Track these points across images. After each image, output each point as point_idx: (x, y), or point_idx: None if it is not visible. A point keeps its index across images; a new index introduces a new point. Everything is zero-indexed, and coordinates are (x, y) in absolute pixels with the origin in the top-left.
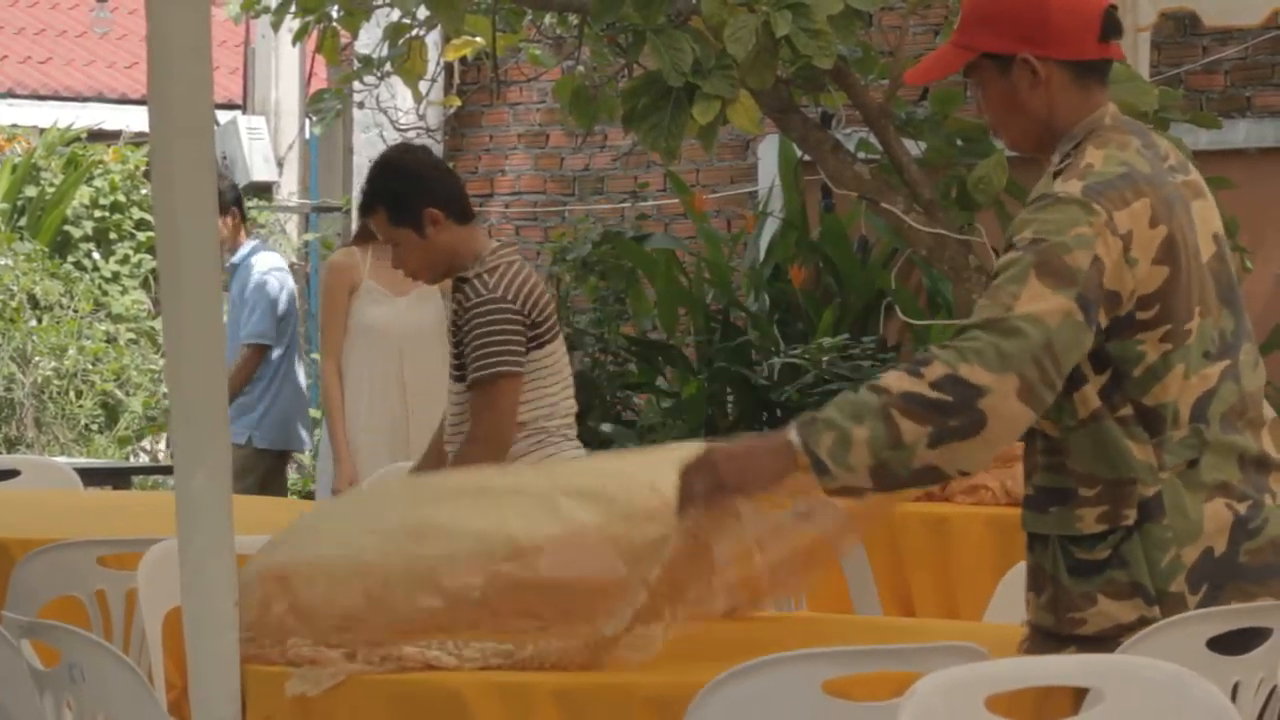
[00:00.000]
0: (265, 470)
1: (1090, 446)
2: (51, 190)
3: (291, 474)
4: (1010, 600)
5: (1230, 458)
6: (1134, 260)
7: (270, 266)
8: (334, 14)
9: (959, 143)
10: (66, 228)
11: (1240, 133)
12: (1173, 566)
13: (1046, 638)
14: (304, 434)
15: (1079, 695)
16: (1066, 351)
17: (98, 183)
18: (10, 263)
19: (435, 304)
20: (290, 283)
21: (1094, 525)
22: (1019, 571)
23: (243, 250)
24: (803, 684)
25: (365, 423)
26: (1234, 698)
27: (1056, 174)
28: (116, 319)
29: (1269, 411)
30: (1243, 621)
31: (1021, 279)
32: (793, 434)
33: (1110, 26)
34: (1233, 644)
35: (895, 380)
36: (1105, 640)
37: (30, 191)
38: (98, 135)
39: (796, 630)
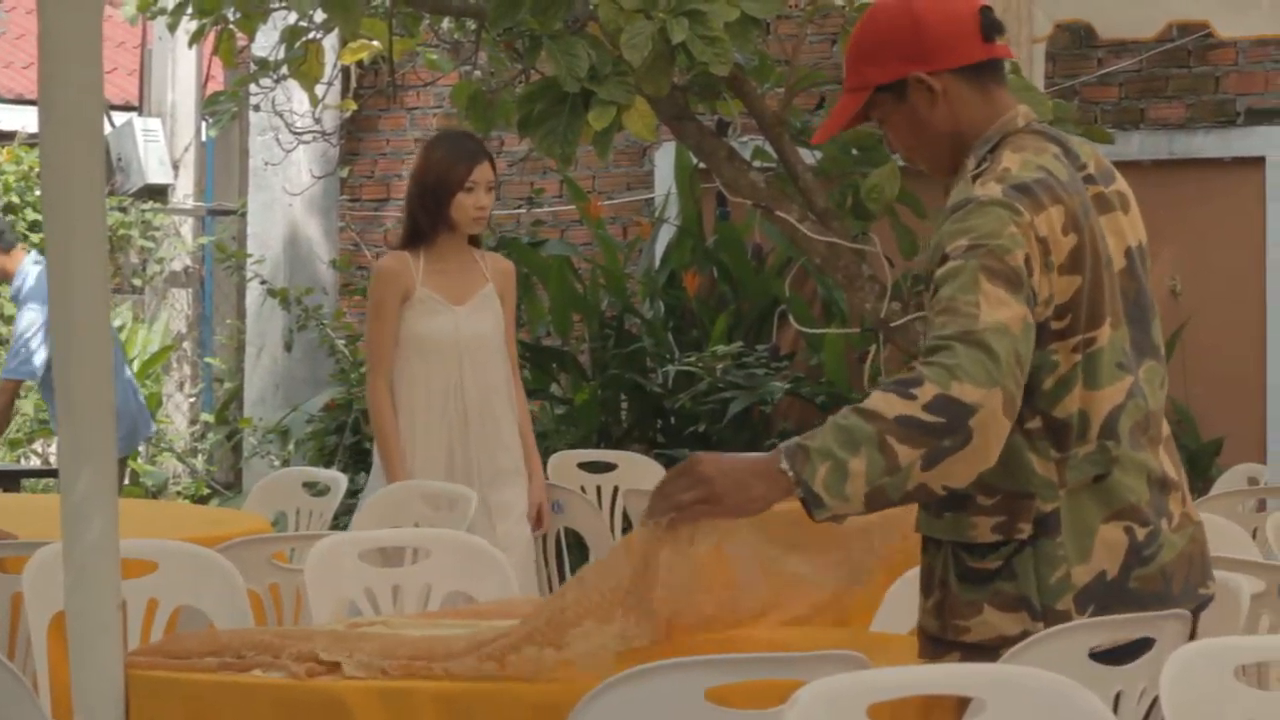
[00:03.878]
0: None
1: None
2: None
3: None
4: (898, 609)
5: (1140, 476)
6: (1051, 265)
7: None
8: (231, 16)
9: (854, 152)
10: None
11: (1134, 145)
12: (1061, 585)
13: (931, 642)
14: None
15: (963, 705)
16: (1028, 357)
17: None
18: None
19: (494, 311)
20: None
21: (988, 535)
22: (907, 580)
23: None
24: (685, 691)
25: (422, 449)
26: (1116, 708)
27: (975, 177)
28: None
29: (1165, 429)
30: (1125, 633)
31: (974, 286)
32: (784, 464)
33: (989, 25)
34: (1115, 656)
35: (886, 404)
36: (987, 650)
37: None
38: None
39: (683, 637)
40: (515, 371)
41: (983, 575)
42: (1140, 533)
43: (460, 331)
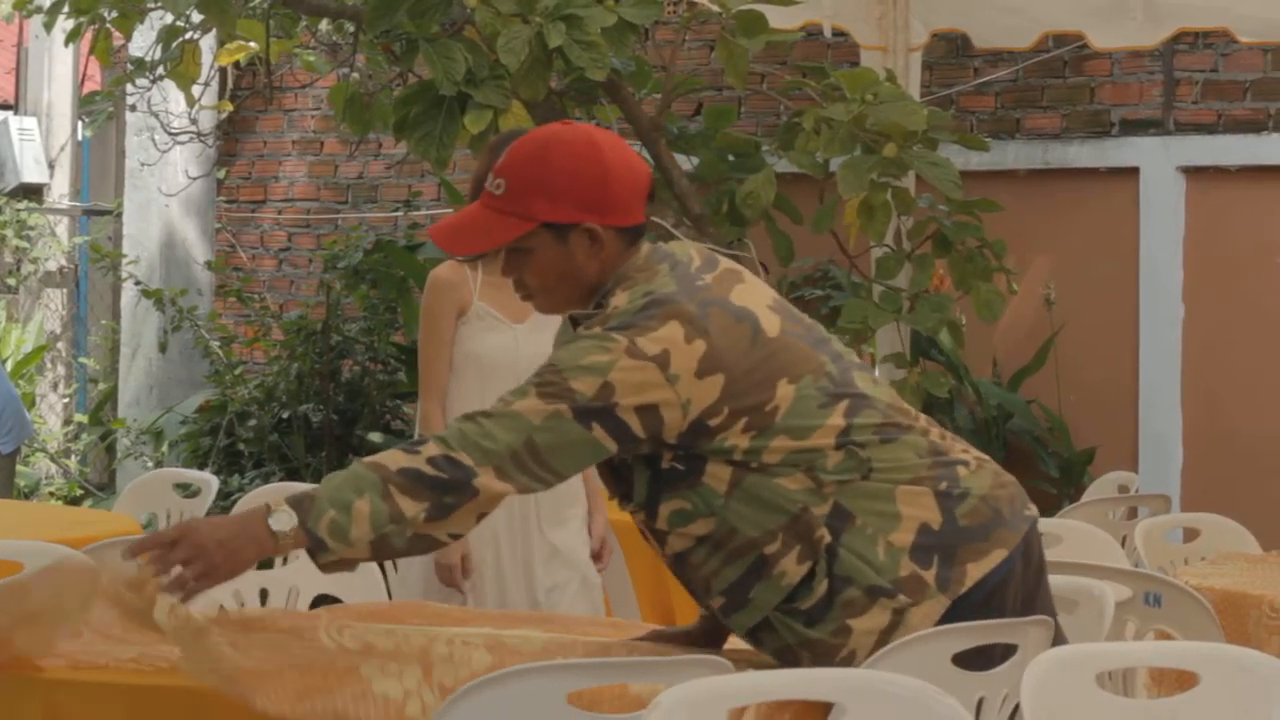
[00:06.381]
0: None
1: (750, 506)
2: None
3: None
4: None
5: (912, 454)
6: (675, 376)
7: None
8: (107, 15)
9: (730, 158)
10: None
11: (1010, 154)
12: (891, 554)
13: None
14: None
15: (828, 710)
16: (554, 448)
17: None
18: None
19: (554, 331)
20: None
21: (799, 569)
22: None
23: None
24: (547, 696)
25: None
26: (978, 714)
27: (579, 322)
28: None
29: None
30: (988, 638)
31: (522, 393)
32: (280, 518)
33: (653, 192)
34: (978, 659)
35: (392, 458)
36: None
37: None
38: None
39: (545, 639)
40: None
41: (823, 604)
42: (939, 483)
43: (520, 351)
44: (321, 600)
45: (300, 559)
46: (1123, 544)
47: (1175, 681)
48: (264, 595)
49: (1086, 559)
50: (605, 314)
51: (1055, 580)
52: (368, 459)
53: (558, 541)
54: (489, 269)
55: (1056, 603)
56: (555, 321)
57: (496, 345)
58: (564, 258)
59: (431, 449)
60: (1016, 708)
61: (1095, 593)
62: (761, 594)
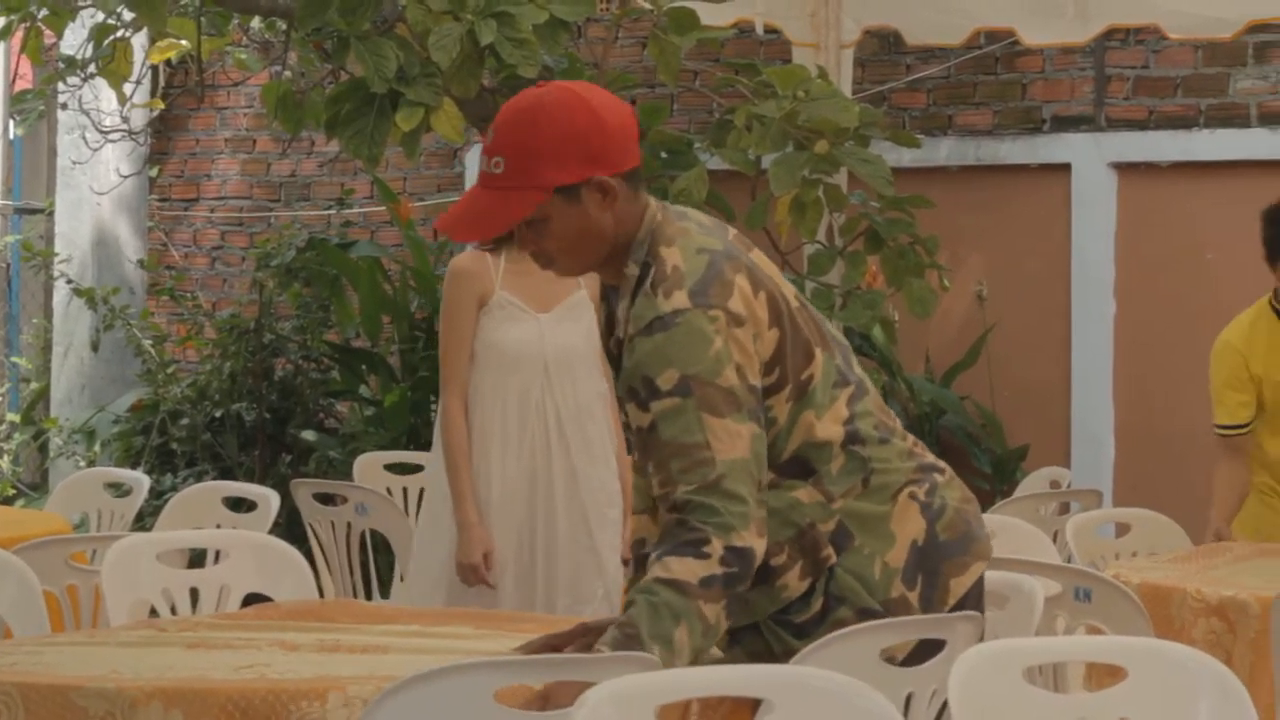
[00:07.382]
0: None
1: (768, 516)
2: None
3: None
4: None
5: (899, 458)
6: (756, 337)
7: None
8: (38, 13)
9: (662, 155)
10: None
11: (942, 151)
12: (885, 575)
13: None
14: None
15: (754, 706)
16: (762, 462)
17: None
18: None
19: (586, 319)
20: None
21: (800, 585)
22: None
23: None
24: (474, 693)
25: (499, 473)
26: (906, 710)
27: (653, 286)
28: None
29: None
30: (917, 633)
31: (699, 426)
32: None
33: (643, 130)
34: (910, 655)
35: (687, 570)
36: None
37: None
38: None
39: (481, 635)
40: (612, 390)
41: (815, 619)
42: (921, 490)
43: (545, 341)
44: (252, 599)
45: (231, 557)
46: (1055, 539)
47: (1109, 676)
48: (194, 594)
49: (1018, 554)
50: (667, 275)
51: (986, 575)
52: (664, 575)
53: (594, 544)
54: (511, 256)
55: (987, 598)
56: (582, 310)
57: (520, 336)
58: (580, 216)
59: (716, 547)
60: (945, 704)
61: (1025, 588)
62: (758, 600)
